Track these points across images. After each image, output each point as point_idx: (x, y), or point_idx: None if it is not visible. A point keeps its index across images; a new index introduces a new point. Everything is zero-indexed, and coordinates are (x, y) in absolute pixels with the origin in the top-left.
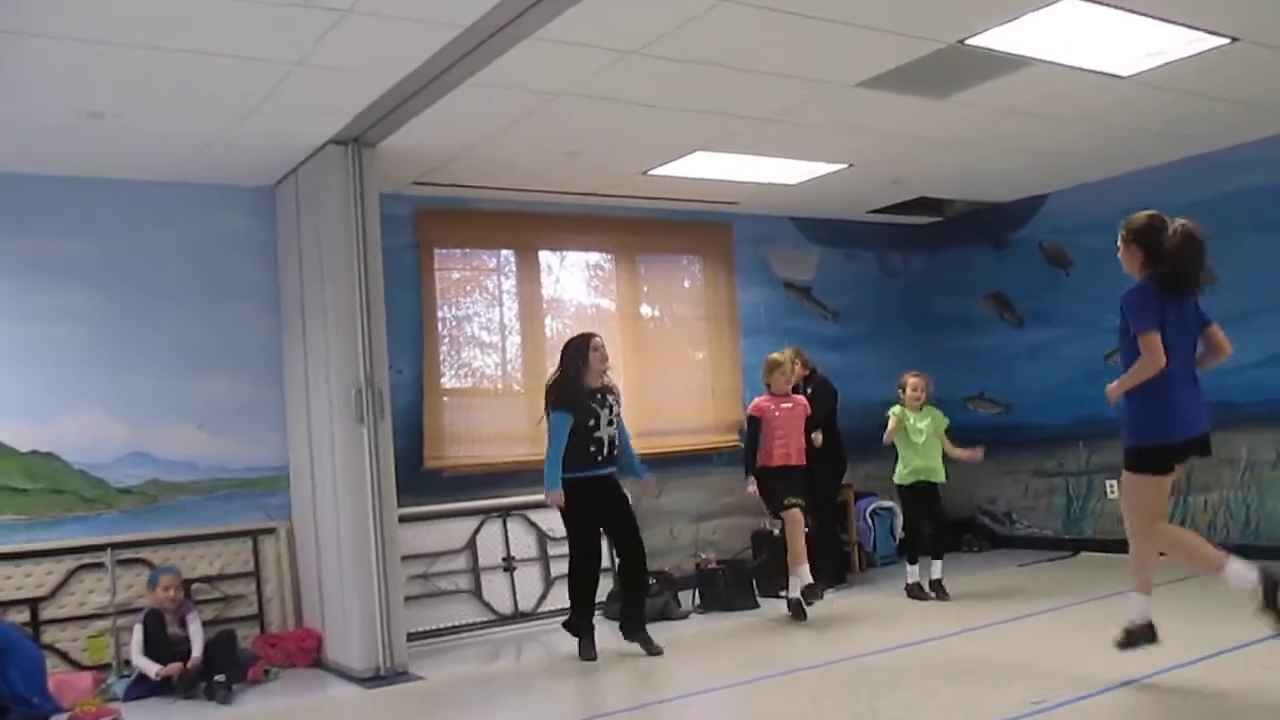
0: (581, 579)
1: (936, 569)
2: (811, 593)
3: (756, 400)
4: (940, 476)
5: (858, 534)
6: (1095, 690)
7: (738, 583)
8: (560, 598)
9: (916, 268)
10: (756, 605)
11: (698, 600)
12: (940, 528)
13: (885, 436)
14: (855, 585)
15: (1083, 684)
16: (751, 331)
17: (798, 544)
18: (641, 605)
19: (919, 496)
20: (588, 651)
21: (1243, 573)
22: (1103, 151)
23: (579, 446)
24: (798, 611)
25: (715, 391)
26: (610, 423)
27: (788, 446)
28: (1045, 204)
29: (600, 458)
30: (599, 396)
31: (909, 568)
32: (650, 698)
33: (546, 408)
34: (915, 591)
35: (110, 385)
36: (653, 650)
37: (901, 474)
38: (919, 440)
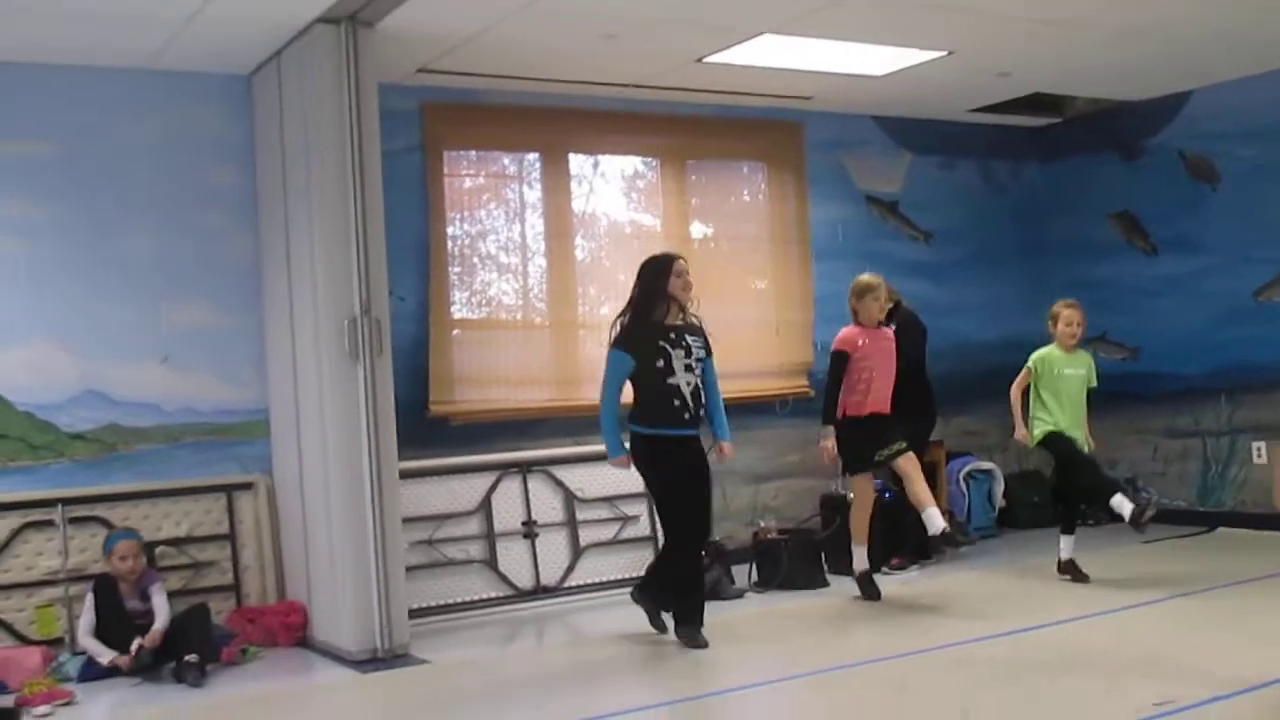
0: (683, 561)
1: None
2: (949, 539)
3: (844, 331)
4: (1082, 444)
5: (948, 501)
6: (1232, 691)
7: (803, 556)
8: (592, 570)
9: (1027, 180)
10: (825, 584)
11: (755, 577)
12: (1095, 473)
13: (1012, 388)
14: (945, 562)
15: (1217, 683)
16: (825, 255)
17: (919, 484)
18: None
19: (1066, 454)
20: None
21: None
22: (1261, 37)
23: (649, 397)
24: (869, 588)
25: (780, 327)
26: (690, 368)
27: (877, 391)
28: (1188, 103)
29: (684, 414)
30: (673, 335)
31: (1062, 539)
32: (696, 691)
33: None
34: (1069, 569)
35: (60, 312)
36: (697, 644)
37: (1039, 430)
38: (1065, 392)
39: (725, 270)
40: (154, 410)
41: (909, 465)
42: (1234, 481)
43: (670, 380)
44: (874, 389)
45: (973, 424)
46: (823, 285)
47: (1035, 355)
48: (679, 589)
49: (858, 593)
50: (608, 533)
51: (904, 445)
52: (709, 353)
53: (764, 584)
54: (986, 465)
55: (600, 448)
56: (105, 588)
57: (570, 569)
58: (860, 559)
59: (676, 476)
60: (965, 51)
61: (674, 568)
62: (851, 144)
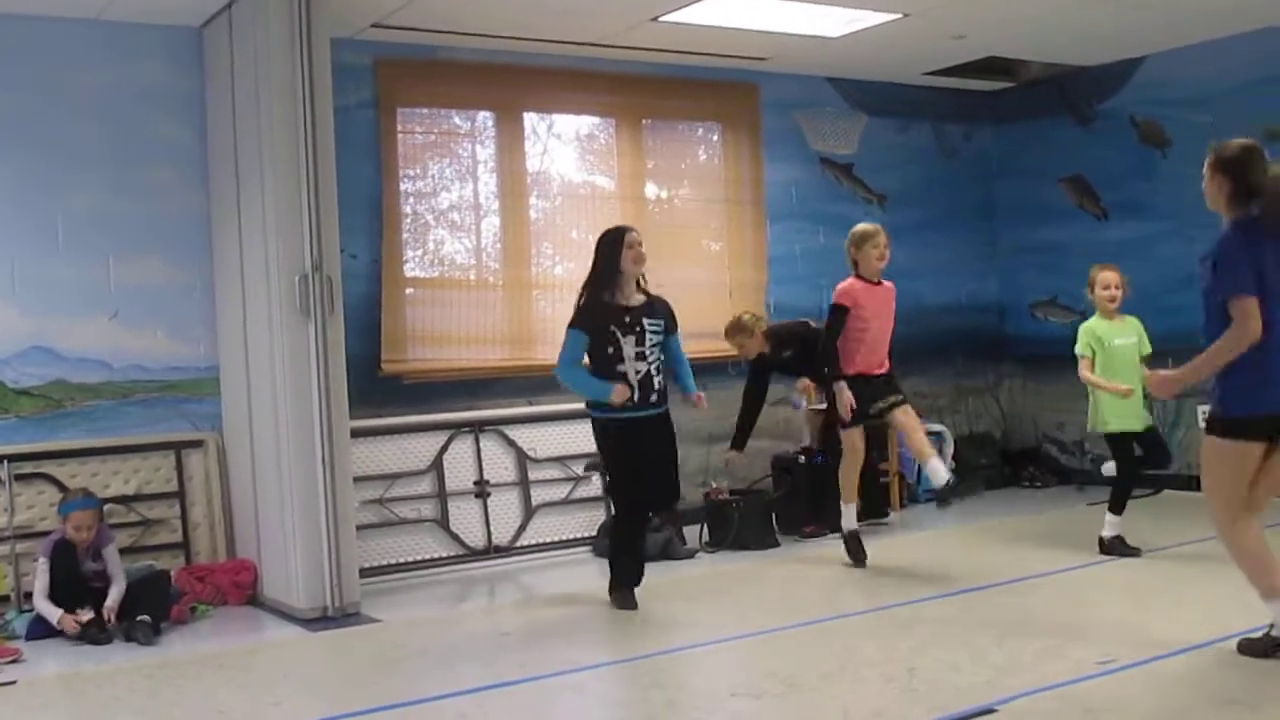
0: (627, 530)
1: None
2: (951, 490)
3: (843, 284)
4: (1140, 421)
5: (899, 463)
6: (1171, 651)
7: (755, 517)
8: (543, 529)
9: (981, 144)
10: (776, 544)
11: (706, 537)
12: (1134, 475)
13: (1082, 373)
14: (895, 524)
15: (1157, 644)
16: (779, 216)
17: (918, 436)
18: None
19: (1128, 440)
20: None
21: None
22: (1215, 3)
23: (600, 377)
24: (857, 551)
25: (734, 288)
26: (642, 355)
27: (872, 346)
28: (1141, 68)
29: (630, 397)
30: (628, 319)
31: (1109, 518)
32: (645, 649)
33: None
34: (1114, 546)
35: (6, 267)
36: (626, 606)
37: (1103, 417)
38: (1119, 365)
39: (680, 231)
40: (103, 367)
41: (907, 418)
42: (1181, 444)
43: (619, 368)
44: (869, 344)
45: (924, 385)
46: (777, 247)
47: (1083, 331)
48: (614, 551)
49: (846, 559)
50: (560, 492)
51: (900, 398)
52: (672, 328)
53: (715, 544)
54: (937, 427)
55: (553, 408)
56: (61, 551)
57: (522, 529)
58: (849, 518)
59: (626, 454)
60: (920, 14)
61: (614, 532)
62: (807, 105)
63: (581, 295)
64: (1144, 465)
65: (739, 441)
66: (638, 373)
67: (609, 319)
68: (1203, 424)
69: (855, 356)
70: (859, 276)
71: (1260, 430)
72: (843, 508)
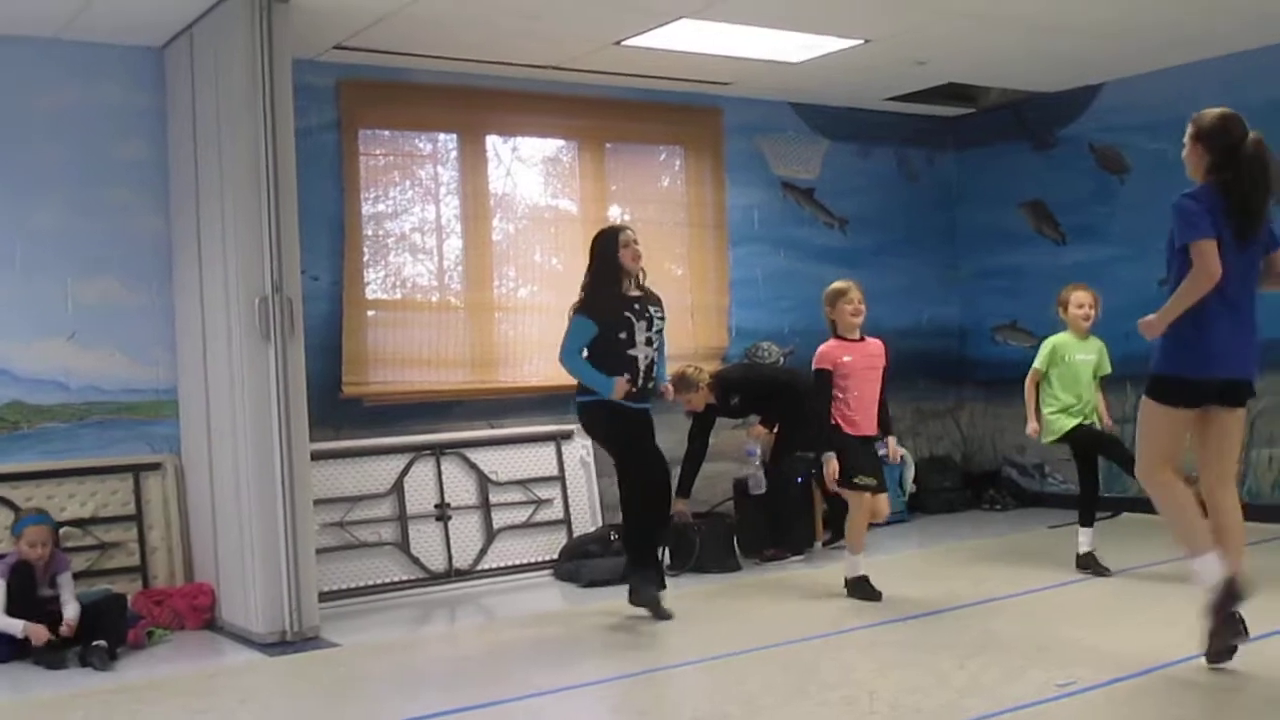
0: (634, 511)
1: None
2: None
3: (823, 346)
4: (1086, 418)
5: None
6: (1133, 672)
7: (716, 541)
8: (504, 553)
9: (942, 169)
10: (738, 567)
11: (668, 560)
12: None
13: (1026, 382)
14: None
15: (1118, 664)
16: (741, 240)
17: (860, 526)
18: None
19: (1087, 442)
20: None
21: (1213, 571)
22: (1172, 32)
23: (604, 366)
24: (866, 590)
25: (696, 311)
26: (650, 341)
27: (860, 411)
28: (1099, 96)
29: (634, 387)
30: (637, 306)
31: (1080, 532)
32: (607, 673)
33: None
34: (1088, 562)
35: None
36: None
37: (1053, 423)
38: (1075, 379)
39: (642, 255)
40: (59, 388)
41: (866, 507)
42: None
43: (630, 352)
44: (858, 408)
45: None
46: (738, 270)
47: (1046, 344)
48: (629, 543)
49: (854, 596)
50: (521, 515)
51: (874, 482)
52: (663, 322)
53: (677, 567)
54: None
55: (515, 430)
56: (22, 573)
57: (483, 552)
58: (854, 566)
59: (629, 435)
60: (881, 40)
61: (625, 520)
62: (769, 130)
63: (584, 289)
64: (1114, 458)
65: (684, 490)
66: (646, 358)
67: (621, 306)
68: None
69: (852, 416)
70: (838, 336)
71: (1190, 395)
72: (849, 557)
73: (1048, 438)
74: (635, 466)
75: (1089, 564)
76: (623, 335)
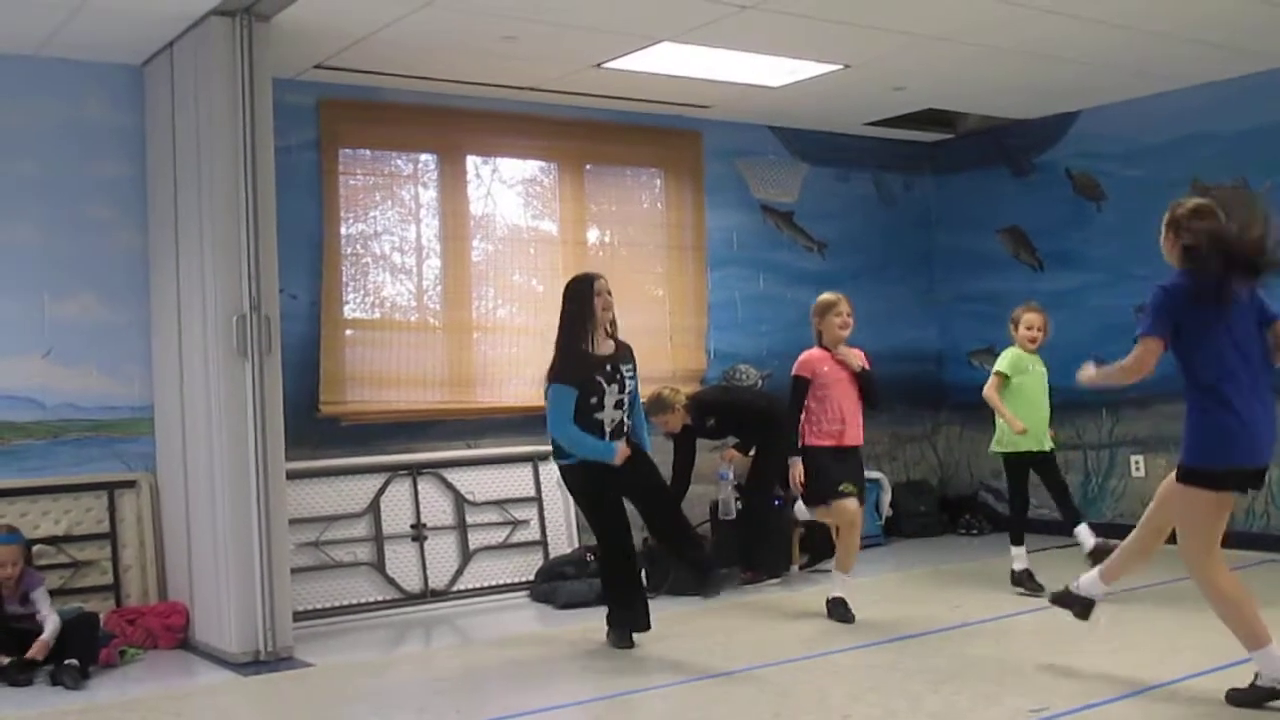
0: (614, 570)
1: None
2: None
3: (805, 354)
4: (1047, 443)
5: None
6: (1105, 699)
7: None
8: (481, 573)
9: (920, 194)
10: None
11: (644, 582)
12: (1065, 498)
13: (987, 391)
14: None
15: (1091, 692)
16: (720, 263)
17: (851, 545)
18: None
19: (1025, 467)
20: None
21: (1273, 664)
22: (1147, 63)
23: (578, 426)
24: (842, 613)
25: (674, 333)
26: (619, 404)
27: (841, 420)
28: (1076, 123)
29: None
30: (608, 368)
31: (1013, 550)
32: (581, 695)
33: (548, 376)
34: (1022, 580)
35: None
36: (622, 645)
37: (1003, 438)
38: (1029, 394)
39: (622, 276)
40: (34, 405)
41: (851, 518)
42: (1113, 493)
43: (597, 415)
44: (840, 417)
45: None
46: (717, 293)
47: (1008, 353)
48: (608, 592)
49: (832, 617)
50: (498, 536)
51: (855, 489)
52: (634, 378)
53: (653, 590)
54: (874, 475)
55: (492, 451)
56: None
57: (459, 572)
58: (842, 586)
59: (600, 495)
60: (861, 65)
61: (604, 572)
62: (748, 153)
63: (558, 349)
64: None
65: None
66: (613, 421)
67: (593, 369)
68: (1140, 473)
69: (826, 428)
70: (822, 346)
71: (1234, 481)
72: (837, 576)
73: (996, 447)
74: (609, 527)
75: (1023, 581)
76: (593, 400)
